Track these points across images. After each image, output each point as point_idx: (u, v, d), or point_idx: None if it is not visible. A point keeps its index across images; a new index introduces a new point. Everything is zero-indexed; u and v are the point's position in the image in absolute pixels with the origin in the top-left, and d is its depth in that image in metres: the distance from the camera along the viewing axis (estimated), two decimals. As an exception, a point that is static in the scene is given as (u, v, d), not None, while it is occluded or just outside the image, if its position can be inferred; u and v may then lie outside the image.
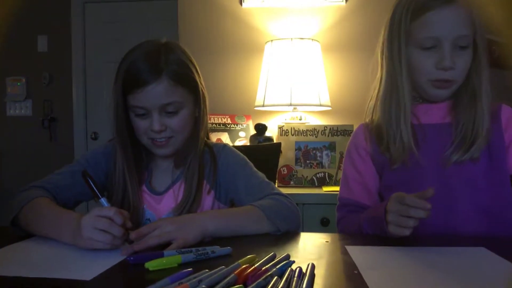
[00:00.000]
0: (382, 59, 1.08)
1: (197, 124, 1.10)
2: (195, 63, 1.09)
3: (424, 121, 1.06)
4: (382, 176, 1.10)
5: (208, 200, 1.11)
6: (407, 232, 0.82)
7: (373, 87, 1.12)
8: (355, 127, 2.13)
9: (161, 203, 1.10)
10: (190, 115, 1.07)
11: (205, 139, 1.18)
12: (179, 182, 1.12)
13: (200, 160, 1.11)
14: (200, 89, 1.08)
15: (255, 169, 1.13)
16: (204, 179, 1.11)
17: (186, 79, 1.03)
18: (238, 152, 1.17)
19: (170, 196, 1.11)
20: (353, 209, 1.09)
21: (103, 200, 0.86)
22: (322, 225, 1.87)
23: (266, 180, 1.11)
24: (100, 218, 0.80)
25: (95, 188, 0.87)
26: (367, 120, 1.15)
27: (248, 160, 1.15)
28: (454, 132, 1.02)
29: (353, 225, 1.03)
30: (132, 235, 0.83)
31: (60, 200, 1.04)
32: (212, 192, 1.12)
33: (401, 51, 1.01)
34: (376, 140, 1.09)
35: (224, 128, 2.35)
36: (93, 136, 3.41)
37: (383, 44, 1.08)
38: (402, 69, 1.01)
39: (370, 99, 1.13)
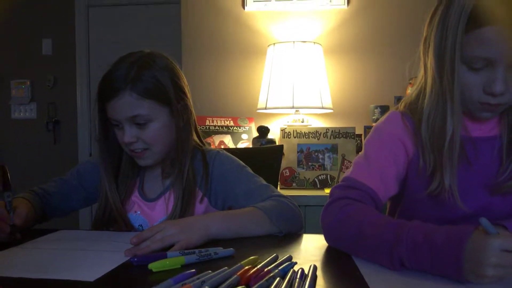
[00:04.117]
0: (425, 60, 0.90)
1: (180, 135, 1.08)
2: (177, 75, 1.07)
3: (474, 133, 0.89)
4: (408, 178, 0.93)
5: (201, 208, 1.10)
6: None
7: (417, 85, 0.94)
8: (357, 130, 2.17)
9: (154, 210, 1.11)
10: (162, 127, 1.05)
11: (200, 146, 1.16)
12: (169, 190, 1.11)
13: (192, 168, 1.09)
14: (176, 102, 1.05)
15: (252, 172, 1.12)
16: (197, 187, 1.10)
17: (154, 93, 1.01)
18: (233, 157, 1.15)
19: (162, 204, 1.11)
20: (366, 198, 0.87)
21: None
22: (325, 227, 1.86)
23: (265, 183, 1.09)
24: None
25: None
26: (401, 109, 0.96)
27: (244, 165, 1.13)
28: (506, 148, 0.88)
29: (363, 216, 0.80)
30: (133, 239, 0.83)
31: (50, 205, 1.12)
32: (206, 200, 1.11)
33: (454, 68, 0.82)
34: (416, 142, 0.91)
35: (227, 130, 2.35)
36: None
37: (428, 44, 0.88)
38: (455, 90, 0.82)
39: (413, 91, 0.96)
